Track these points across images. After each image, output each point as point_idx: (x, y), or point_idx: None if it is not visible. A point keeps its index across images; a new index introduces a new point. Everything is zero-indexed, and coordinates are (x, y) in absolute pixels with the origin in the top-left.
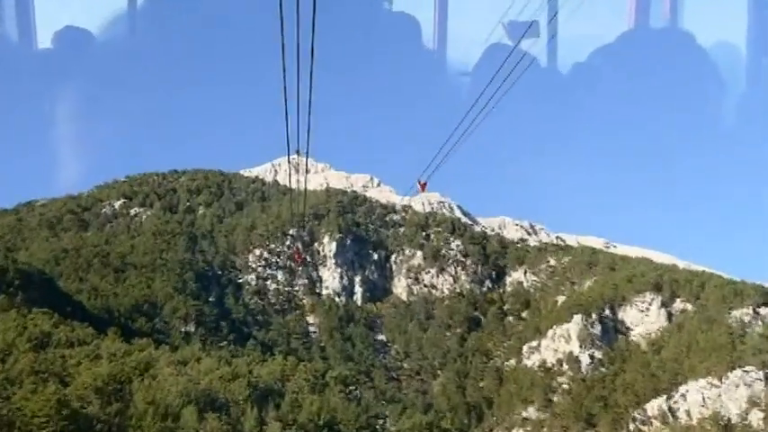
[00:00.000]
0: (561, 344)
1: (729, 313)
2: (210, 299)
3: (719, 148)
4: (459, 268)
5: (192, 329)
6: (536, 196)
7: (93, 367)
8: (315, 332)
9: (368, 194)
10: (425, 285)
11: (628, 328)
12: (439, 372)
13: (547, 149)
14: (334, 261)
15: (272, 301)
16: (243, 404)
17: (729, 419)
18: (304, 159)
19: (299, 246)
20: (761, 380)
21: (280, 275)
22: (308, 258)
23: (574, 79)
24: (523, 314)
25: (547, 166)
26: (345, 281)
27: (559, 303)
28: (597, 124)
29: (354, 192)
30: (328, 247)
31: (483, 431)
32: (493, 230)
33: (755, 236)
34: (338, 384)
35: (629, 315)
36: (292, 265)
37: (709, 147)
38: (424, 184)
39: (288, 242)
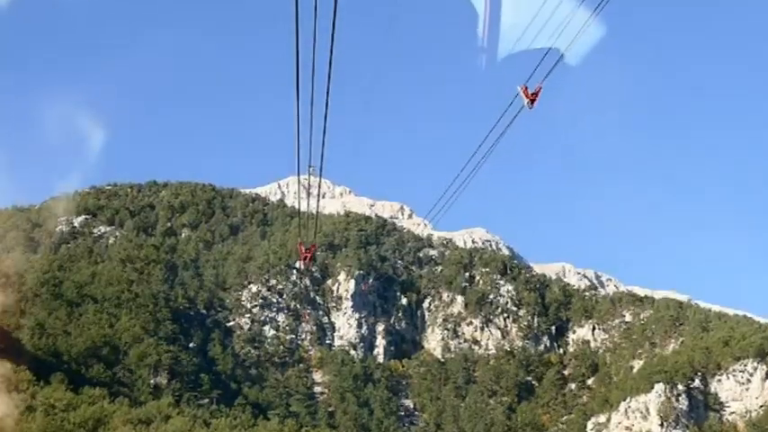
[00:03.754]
0: (637, 420)
1: None
2: (191, 345)
3: None
4: (510, 320)
5: (164, 382)
6: (602, 244)
7: (23, 422)
8: (323, 393)
9: (398, 224)
10: (466, 340)
11: (722, 404)
12: None
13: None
14: (351, 304)
15: (270, 351)
16: None
17: None
18: (317, 177)
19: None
20: None
21: (281, 319)
22: (320, 300)
23: None
24: (589, 381)
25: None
26: (365, 330)
27: (636, 369)
28: None
29: (381, 218)
30: (345, 286)
31: None
32: (552, 278)
33: None
34: None
35: (724, 387)
36: (299, 267)
37: None
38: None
39: (293, 277)
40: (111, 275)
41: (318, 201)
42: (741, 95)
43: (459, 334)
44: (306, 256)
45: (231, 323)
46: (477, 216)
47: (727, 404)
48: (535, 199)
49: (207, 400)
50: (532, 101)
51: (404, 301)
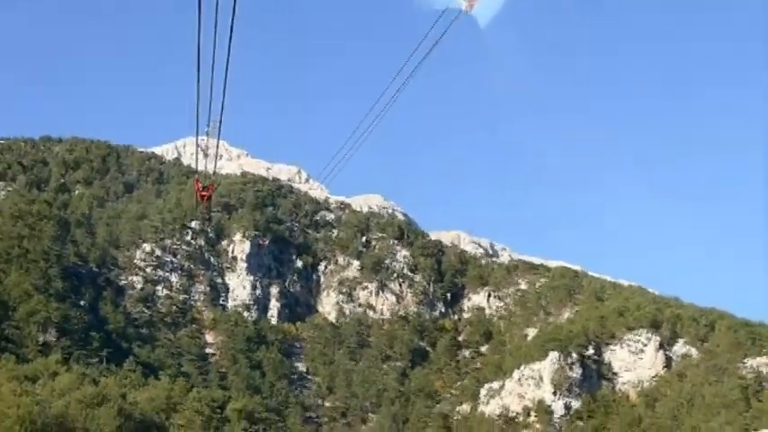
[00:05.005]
0: (530, 388)
1: (743, 362)
2: (81, 303)
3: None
4: (406, 285)
5: (53, 339)
6: (496, 213)
7: None
8: (215, 354)
9: (295, 187)
10: (360, 304)
11: (615, 374)
12: (370, 415)
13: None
14: (245, 266)
15: (162, 312)
16: None
17: None
18: (215, 138)
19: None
20: None
21: (174, 279)
22: (214, 261)
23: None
24: (483, 348)
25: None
26: (259, 292)
27: (530, 337)
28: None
29: (278, 181)
30: (239, 247)
31: None
32: (448, 245)
33: None
34: (240, 421)
35: (617, 357)
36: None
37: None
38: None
39: (188, 237)
40: (2, 231)
41: (216, 160)
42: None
43: (354, 298)
44: (203, 195)
45: (123, 282)
46: (373, 184)
47: (619, 374)
48: (430, 167)
49: (96, 359)
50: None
51: (299, 263)
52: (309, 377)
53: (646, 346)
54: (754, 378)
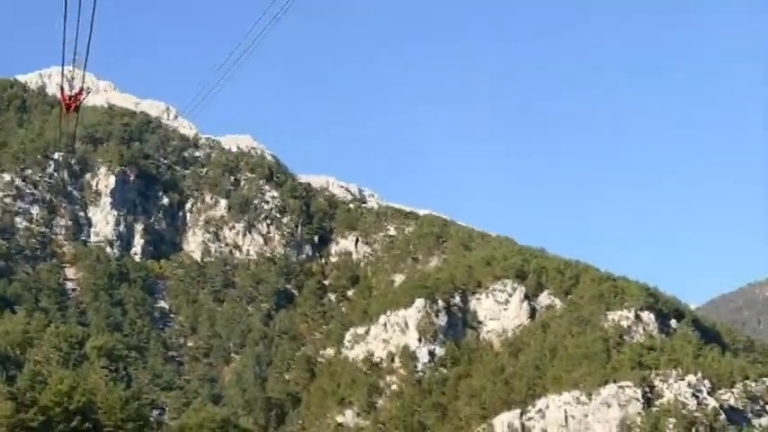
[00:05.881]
0: (395, 334)
1: (606, 315)
2: None
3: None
4: (273, 227)
5: None
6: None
7: None
8: (74, 290)
9: (163, 123)
10: (227, 244)
11: (480, 322)
12: (234, 356)
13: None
14: (110, 201)
15: (21, 244)
16: None
17: None
18: (81, 69)
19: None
20: (638, 400)
21: (35, 211)
22: (77, 194)
23: None
24: (350, 293)
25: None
26: (122, 228)
27: (397, 283)
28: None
29: (147, 115)
30: (104, 181)
31: None
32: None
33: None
34: (100, 359)
35: (483, 306)
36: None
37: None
38: None
39: (50, 169)
40: None
41: (82, 91)
42: None
43: (221, 238)
44: (69, 105)
45: None
46: (243, 125)
47: (484, 322)
48: (300, 110)
49: None
50: None
51: (165, 200)
52: (172, 316)
53: (511, 296)
54: (615, 331)
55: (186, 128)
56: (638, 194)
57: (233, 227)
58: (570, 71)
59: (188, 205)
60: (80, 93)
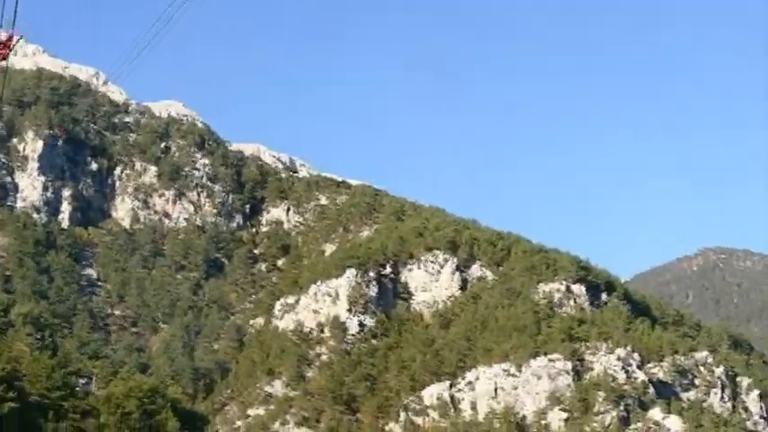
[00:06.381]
0: (326, 304)
1: (537, 287)
2: None
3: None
4: (204, 195)
5: None
6: (297, 128)
7: None
8: (0, 256)
9: (93, 88)
10: (156, 212)
11: (411, 293)
12: (162, 325)
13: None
14: (37, 166)
15: None
16: None
17: (524, 417)
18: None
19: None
20: (568, 372)
21: None
22: (3, 158)
23: None
24: (280, 262)
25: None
26: (50, 194)
27: (328, 253)
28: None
29: (76, 79)
30: (32, 146)
31: (212, 406)
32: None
33: (568, 203)
34: (25, 326)
35: (414, 277)
36: None
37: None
38: None
39: None
40: None
41: (11, 38)
42: None
43: (150, 205)
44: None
45: None
46: (174, 92)
47: (415, 294)
48: (232, 77)
49: None
50: None
51: (94, 166)
52: (100, 284)
53: (443, 267)
54: (546, 303)
55: (116, 93)
56: (570, 166)
57: (163, 194)
58: (500, 40)
59: (117, 171)
60: (9, 40)
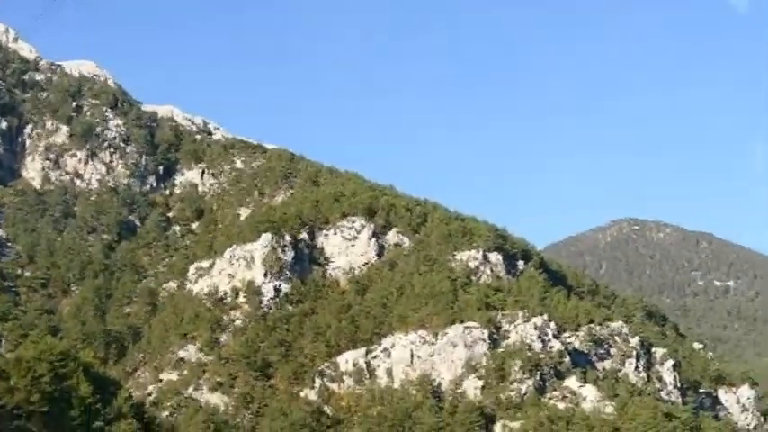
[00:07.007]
0: (241, 269)
1: (454, 255)
2: None
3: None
4: (117, 156)
5: None
6: (209, 90)
7: None
8: None
9: (2, 45)
10: (68, 172)
11: (327, 258)
12: (73, 287)
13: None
14: None
15: None
16: None
17: (440, 385)
18: None
19: None
20: (484, 340)
21: None
22: None
23: None
24: (194, 225)
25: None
26: None
27: (243, 217)
28: None
29: None
30: None
31: (124, 371)
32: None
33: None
34: None
35: (330, 242)
36: None
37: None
38: None
39: None
40: None
41: None
42: None
43: (62, 165)
44: None
45: None
46: (87, 52)
47: (332, 259)
48: (146, 34)
49: None
50: None
51: (3, 124)
52: (9, 245)
53: (359, 233)
54: (462, 271)
55: (26, 51)
56: (487, 135)
57: (74, 154)
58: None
59: (27, 130)
60: None
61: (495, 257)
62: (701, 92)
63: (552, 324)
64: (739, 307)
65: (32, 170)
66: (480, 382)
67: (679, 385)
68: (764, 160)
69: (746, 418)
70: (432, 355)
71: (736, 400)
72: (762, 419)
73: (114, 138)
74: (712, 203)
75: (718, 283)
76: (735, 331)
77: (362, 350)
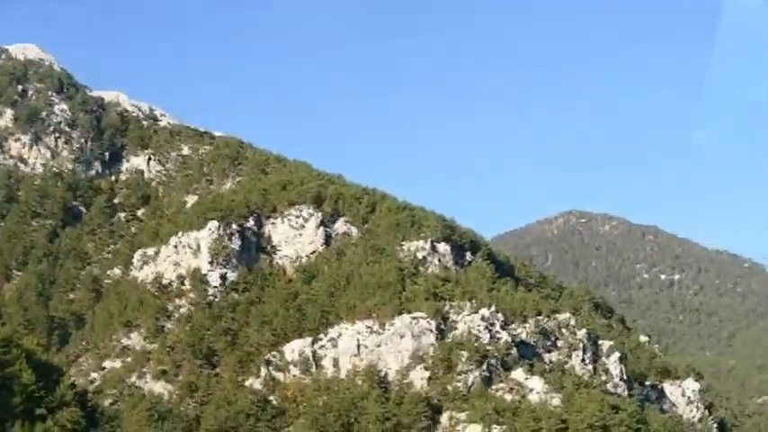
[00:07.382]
0: (187, 256)
1: (402, 245)
2: None
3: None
4: (62, 141)
5: None
6: (158, 77)
7: None
8: None
9: None
10: (12, 156)
11: (274, 247)
12: (15, 273)
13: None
14: None
15: None
16: None
17: (387, 375)
18: None
19: None
20: (431, 331)
21: None
22: None
23: None
24: (140, 212)
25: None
26: None
27: (190, 204)
28: None
29: None
30: None
31: (67, 358)
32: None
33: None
34: None
35: (278, 231)
36: None
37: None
38: None
39: None
40: None
41: None
42: None
43: (6, 150)
44: None
45: None
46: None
47: (279, 247)
48: (90, 22)
49: None
50: None
51: None
52: None
53: (307, 221)
54: (410, 261)
55: None
56: (434, 127)
57: (18, 138)
58: None
59: None
60: None
61: (443, 248)
62: (642, 86)
63: (500, 315)
64: (683, 300)
65: None
66: (427, 373)
67: (625, 378)
68: (708, 152)
69: (692, 410)
70: (378, 346)
71: (681, 393)
72: (706, 412)
73: (60, 122)
74: (657, 195)
75: (663, 277)
76: (679, 324)
77: (309, 339)
